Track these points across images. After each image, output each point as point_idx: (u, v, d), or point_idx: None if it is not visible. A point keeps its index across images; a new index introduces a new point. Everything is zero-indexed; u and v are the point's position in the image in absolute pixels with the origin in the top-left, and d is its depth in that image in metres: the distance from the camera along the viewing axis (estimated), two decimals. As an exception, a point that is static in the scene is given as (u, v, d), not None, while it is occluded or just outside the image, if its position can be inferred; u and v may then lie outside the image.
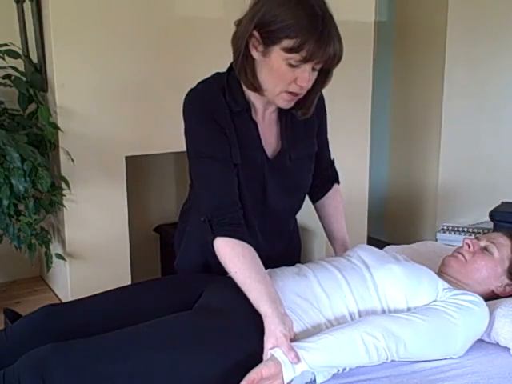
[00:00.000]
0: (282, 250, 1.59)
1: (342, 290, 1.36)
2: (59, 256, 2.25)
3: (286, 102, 1.36)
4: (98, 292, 1.41)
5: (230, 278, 1.34)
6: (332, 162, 1.71)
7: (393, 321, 1.27)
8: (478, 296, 1.39)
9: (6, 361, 1.17)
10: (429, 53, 3.40)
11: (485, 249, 1.54)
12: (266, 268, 1.36)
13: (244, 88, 1.41)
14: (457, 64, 3.36)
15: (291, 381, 1.16)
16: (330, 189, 1.70)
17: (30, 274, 2.63)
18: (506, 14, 3.50)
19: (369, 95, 2.94)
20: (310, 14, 1.24)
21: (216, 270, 1.46)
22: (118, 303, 1.36)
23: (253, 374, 1.14)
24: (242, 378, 1.14)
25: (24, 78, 2.19)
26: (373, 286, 1.37)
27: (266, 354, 1.19)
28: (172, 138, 2.19)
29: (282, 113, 1.47)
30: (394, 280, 1.38)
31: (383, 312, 1.35)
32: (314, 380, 1.21)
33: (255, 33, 1.28)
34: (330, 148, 1.68)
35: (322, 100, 1.57)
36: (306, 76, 1.29)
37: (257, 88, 1.35)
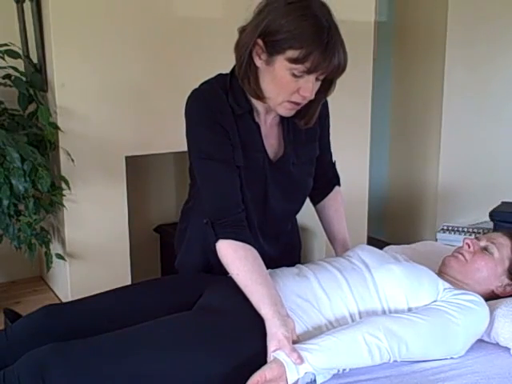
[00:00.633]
0: (282, 250, 1.59)
1: (343, 290, 1.36)
2: (59, 256, 2.25)
3: (287, 111, 1.35)
4: (98, 292, 1.41)
5: (231, 279, 1.34)
6: (333, 165, 1.71)
7: (394, 321, 1.27)
8: (479, 296, 1.39)
9: (6, 361, 1.18)
10: (429, 53, 3.40)
11: (485, 249, 1.54)
12: (267, 268, 1.36)
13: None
14: (457, 64, 3.36)
15: (296, 382, 1.16)
16: (331, 191, 1.70)
17: (30, 274, 2.63)
18: (506, 15, 3.51)
19: (369, 95, 2.93)
20: (316, 25, 1.22)
21: (217, 271, 1.46)
22: (118, 303, 1.36)
23: (256, 377, 1.14)
24: (242, 379, 1.15)
25: (24, 78, 2.18)
26: (373, 287, 1.37)
27: (270, 357, 1.19)
28: (172, 138, 2.20)
29: (283, 117, 1.47)
30: (394, 280, 1.38)
31: (384, 312, 1.35)
32: (314, 380, 1.21)
33: (259, 41, 1.27)
34: (331, 148, 1.68)
35: (325, 104, 1.55)
36: (309, 86, 1.28)
37: (260, 96, 1.35)
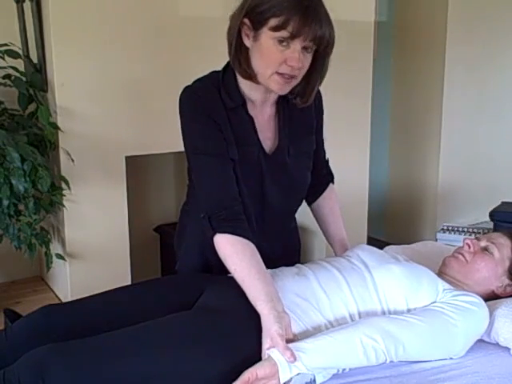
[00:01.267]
0: (282, 249, 1.59)
1: (342, 290, 1.36)
2: (59, 256, 2.25)
3: (279, 86, 1.34)
4: (98, 292, 1.41)
5: (231, 279, 1.34)
6: (327, 162, 1.71)
7: (392, 322, 1.27)
8: (478, 297, 1.39)
9: (6, 361, 1.17)
10: (429, 53, 3.40)
11: (485, 249, 1.54)
12: (266, 268, 1.36)
13: (239, 83, 1.41)
14: (457, 64, 3.36)
15: (289, 381, 1.16)
16: (325, 189, 1.70)
17: (30, 274, 2.63)
18: (506, 14, 3.51)
19: (369, 95, 2.93)
20: None
21: (216, 271, 1.46)
22: (118, 303, 1.36)
23: (247, 374, 1.14)
24: (241, 379, 1.14)
25: (24, 78, 2.19)
26: (373, 287, 1.37)
27: (264, 354, 1.19)
28: (172, 138, 2.18)
29: (280, 107, 1.47)
30: (393, 280, 1.38)
31: (383, 313, 1.35)
32: (314, 380, 1.21)
33: (246, 20, 1.31)
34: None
35: (320, 99, 1.57)
36: (295, 56, 1.29)
37: (251, 75, 1.36)
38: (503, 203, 2.92)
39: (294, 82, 1.36)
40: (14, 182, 1.98)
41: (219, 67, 1.47)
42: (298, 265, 1.51)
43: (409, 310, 1.35)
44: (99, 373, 1.12)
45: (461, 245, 1.59)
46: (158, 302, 1.36)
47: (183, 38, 2.32)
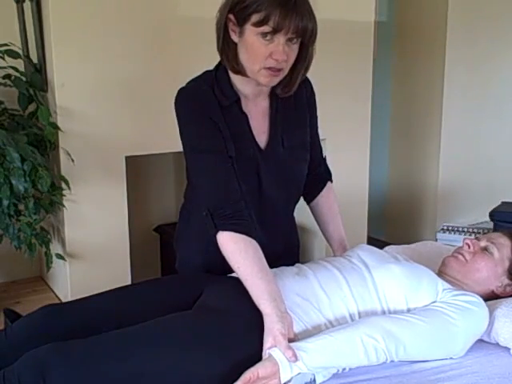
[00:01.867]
0: (281, 249, 1.58)
1: (342, 290, 1.36)
2: (59, 256, 2.25)
3: (267, 79, 1.36)
4: (98, 292, 1.41)
5: (231, 278, 1.34)
6: (324, 160, 1.71)
7: (393, 322, 1.27)
8: (478, 296, 1.39)
9: (6, 361, 1.17)
10: (429, 53, 3.40)
11: (485, 249, 1.54)
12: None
13: (232, 79, 1.42)
14: (457, 64, 3.36)
15: (289, 380, 1.16)
16: (323, 187, 1.70)
17: (30, 274, 2.63)
18: (506, 14, 3.51)
19: (369, 95, 2.93)
20: None
21: (217, 270, 1.46)
22: (118, 303, 1.36)
23: (249, 374, 1.14)
24: (242, 378, 1.14)
25: (24, 78, 2.19)
26: (373, 287, 1.37)
27: (265, 353, 1.19)
28: (172, 137, 2.17)
29: (273, 100, 1.48)
30: (393, 280, 1.38)
31: (383, 312, 1.35)
32: (314, 380, 1.21)
33: (231, 16, 1.32)
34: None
35: (312, 93, 1.58)
36: (279, 49, 1.30)
37: (240, 70, 1.38)
38: (503, 203, 2.92)
39: (282, 74, 1.37)
40: (13, 182, 1.98)
41: (219, 67, 1.47)
42: (297, 264, 1.51)
43: (409, 310, 1.35)
44: (99, 372, 1.12)
45: (461, 245, 1.59)
46: (158, 301, 1.36)
47: (183, 37, 2.33)
